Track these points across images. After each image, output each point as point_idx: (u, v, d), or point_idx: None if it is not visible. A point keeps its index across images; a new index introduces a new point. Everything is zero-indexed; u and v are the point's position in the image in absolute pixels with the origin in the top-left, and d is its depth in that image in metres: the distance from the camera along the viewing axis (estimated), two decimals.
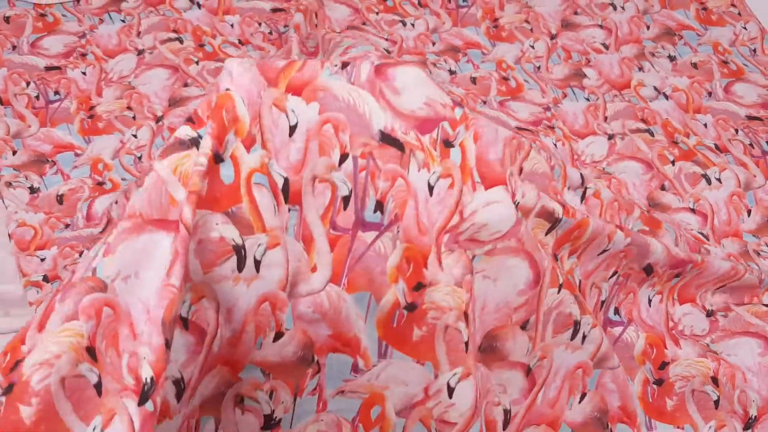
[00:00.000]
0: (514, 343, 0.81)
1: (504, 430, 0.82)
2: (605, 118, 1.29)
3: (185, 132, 0.72)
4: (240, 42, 1.36)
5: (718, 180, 1.19)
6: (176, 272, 0.64)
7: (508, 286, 0.80)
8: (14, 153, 1.13)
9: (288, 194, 0.73)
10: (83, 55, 1.28)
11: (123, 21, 1.35)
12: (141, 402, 0.62)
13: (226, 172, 0.71)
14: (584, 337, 0.85)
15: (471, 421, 0.79)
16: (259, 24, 1.40)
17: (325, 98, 0.75)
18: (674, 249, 0.93)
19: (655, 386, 0.90)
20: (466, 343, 0.78)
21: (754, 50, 1.45)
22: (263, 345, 0.73)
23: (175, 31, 1.34)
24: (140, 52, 1.29)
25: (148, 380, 0.62)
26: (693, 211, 1.15)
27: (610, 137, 1.25)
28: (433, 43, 1.40)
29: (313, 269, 0.75)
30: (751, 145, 1.26)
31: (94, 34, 1.32)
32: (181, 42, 1.33)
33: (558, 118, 1.28)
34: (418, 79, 0.79)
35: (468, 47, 1.40)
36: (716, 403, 0.90)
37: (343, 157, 0.76)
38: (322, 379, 0.77)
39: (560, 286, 0.82)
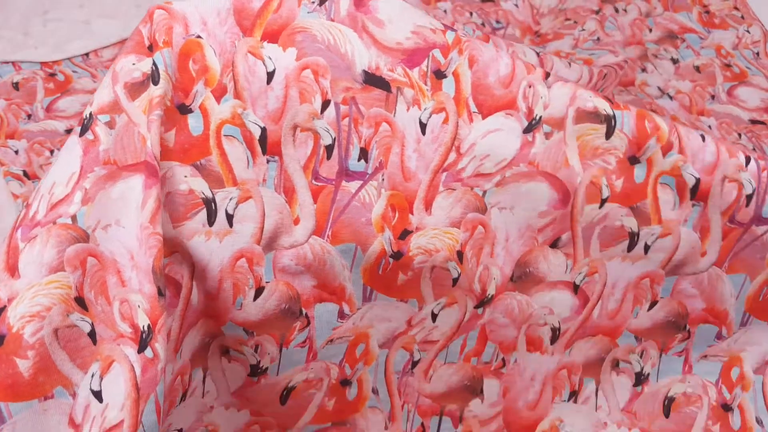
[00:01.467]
0: (547, 264, 0.77)
1: (552, 344, 0.79)
2: None
3: (147, 66, 0.65)
4: None
5: None
6: (159, 219, 0.61)
7: (527, 210, 0.75)
8: None
9: (266, 145, 0.67)
10: None
11: None
12: (140, 349, 0.60)
13: (194, 123, 0.65)
14: (647, 247, 0.77)
15: (453, 337, 0.77)
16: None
17: (304, 41, 0.68)
18: None
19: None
20: (455, 280, 0.75)
21: (757, 53, 1.38)
22: (243, 305, 0.70)
23: None
24: None
25: (146, 328, 0.60)
26: None
27: None
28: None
29: (296, 221, 0.69)
30: (753, 149, 1.19)
31: None
32: None
33: None
34: (404, 5, 0.71)
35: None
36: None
37: (325, 104, 0.69)
38: (312, 332, 0.74)
39: (604, 201, 0.75)
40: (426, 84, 0.71)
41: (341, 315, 0.74)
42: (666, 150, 0.75)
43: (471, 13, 1.34)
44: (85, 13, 1.30)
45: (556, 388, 0.82)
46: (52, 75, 1.20)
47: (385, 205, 0.71)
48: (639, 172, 0.76)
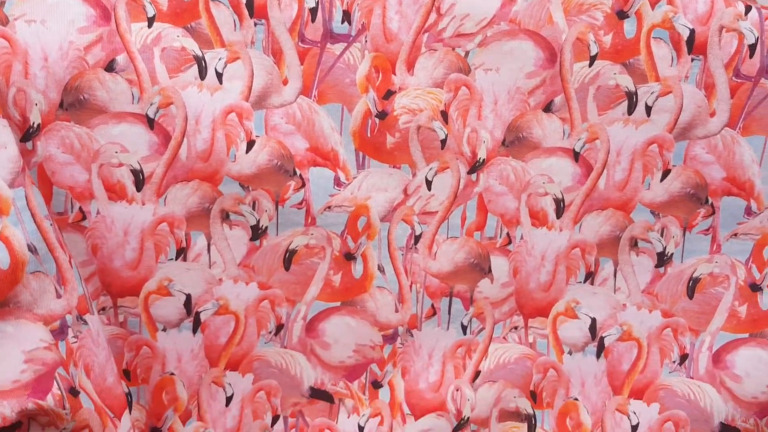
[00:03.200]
0: (542, 129, 0.74)
1: (558, 218, 0.75)
2: None
3: None
4: None
5: None
6: (95, 55, 0.68)
7: (513, 71, 0.73)
8: None
9: (252, 8, 0.72)
10: None
11: None
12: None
13: None
14: (648, 108, 0.73)
15: (451, 207, 0.75)
16: None
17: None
18: None
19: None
20: (443, 141, 0.74)
21: None
22: (237, 157, 0.73)
23: None
24: None
25: (35, 125, 0.69)
26: None
27: None
28: None
29: (285, 82, 0.72)
30: None
31: None
32: None
33: None
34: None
35: None
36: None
37: None
38: (307, 194, 0.75)
39: (593, 57, 0.72)
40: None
41: (337, 182, 0.75)
42: (654, 1, 0.72)
43: None
44: None
45: (570, 268, 0.76)
46: None
47: (369, 66, 0.72)
48: (629, 27, 0.73)
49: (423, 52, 0.73)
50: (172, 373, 0.76)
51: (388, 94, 0.73)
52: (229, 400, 0.77)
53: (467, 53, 0.73)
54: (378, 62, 0.73)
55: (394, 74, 0.73)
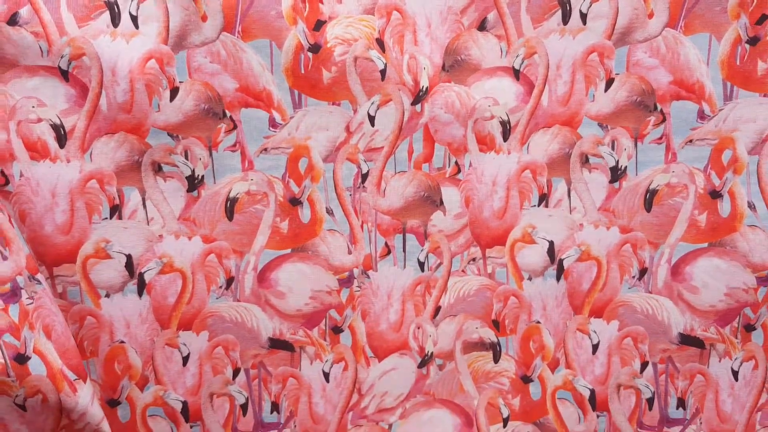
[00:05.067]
0: (479, 48, 0.69)
1: (506, 141, 0.70)
2: None
3: None
4: None
5: None
6: None
7: None
8: None
9: None
10: None
11: None
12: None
13: None
14: (584, 15, 0.68)
15: (396, 141, 0.70)
16: None
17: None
18: None
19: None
20: (383, 72, 0.68)
21: None
22: (161, 107, 0.66)
23: None
24: None
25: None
26: None
27: None
28: None
29: (203, 18, 0.66)
30: None
31: None
32: None
33: None
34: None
35: None
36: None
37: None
38: (240, 136, 0.69)
39: None
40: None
41: (273, 123, 0.69)
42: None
43: None
44: None
45: (522, 192, 0.71)
46: None
47: None
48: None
49: None
50: (122, 341, 0.71)
51: (319, 25, 0.66)
52: (186, 359, 0.72)
53: None
54: None
55: (322, 3, 0.66)
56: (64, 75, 0.63)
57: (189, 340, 0.72)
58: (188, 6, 0.65)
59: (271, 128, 0.69)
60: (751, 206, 0.71)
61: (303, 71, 0.67)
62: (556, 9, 0.67)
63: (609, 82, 0.70)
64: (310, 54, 0.67)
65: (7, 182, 0.65)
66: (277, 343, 0.72)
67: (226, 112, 0.67)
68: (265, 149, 0.69)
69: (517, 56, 0.69)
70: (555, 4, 0.67)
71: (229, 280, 0.71)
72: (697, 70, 0.69)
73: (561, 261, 0.72)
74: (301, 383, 0.73)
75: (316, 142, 0.69)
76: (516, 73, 0.69)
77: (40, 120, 0.64)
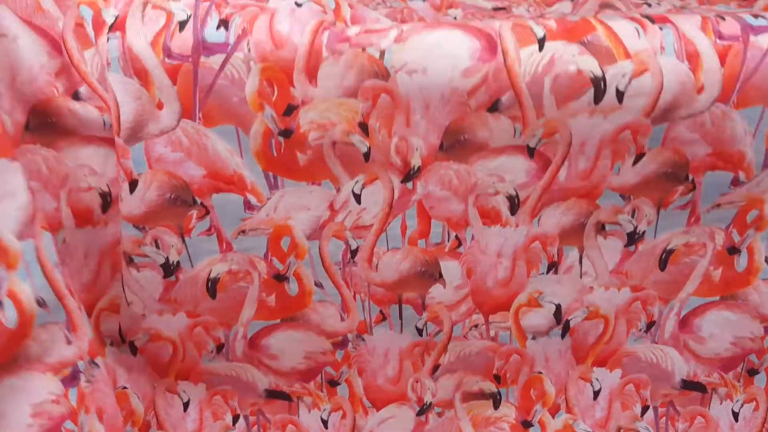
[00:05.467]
0: (488, 130, 0.59)
1: (513, 215, 0.63)
2: None
3: None
4: None
5: None
6: None
7: (445, 69, 0.56)
8: None
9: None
10: None
11: None
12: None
13: None
14: (620, 93, 0.56)
15: (387, 219, 0.62)
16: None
17: None
18: None
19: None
20: (366, 154, 0.59)
21: None
22: (123, 199, 0.59)
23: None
24: None
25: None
26: None
27: None
28: None
29: (159, 106, 0.56)
30: None
31: None
32: None
33: None
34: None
35: None
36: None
37: None
38: (216, 221, 0.62)
39: (541, 40, 0.55)
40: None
41: (248, 206, 0.61)
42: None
43: (480, 19, 1.18)
44: None
45: (530, 261, 0.64)
46: None
47: (259, 80, 0.55)
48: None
49: (325, 57, 0.55)
50: (125, 387, 0.69)
51: (290, 110, 0.56)
52: (186, 405, 0.71)
53: (383, 53, 0.55)
54: (270, 74, 0.55)
55: (292, 86, 0.55)
56: None
57: (188, 389, 0.70)
58: (140, 95, 0.55)
59: (247, 210, 0.61)
60: None
61: (275, 154, 0.58)
62: (588, 88, 0.55)
63: (639, 157, 0.59)
64: (281, 138, 0.57)
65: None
66: (275, 394, 0.71)
67: (196, 198, 0.60)
68: (243, 231, 0.62)
69: (534, 137, 0.58)
70: (586, 82, 0.55)
71: (219, 346, 0.68)
72: (741, 141, 0.58)
73: (567, 321, 0.67)
74: (300, 430, 0.72)
75: (297, 221, 0.62)
76: (530, 151, 0.59)
77: None
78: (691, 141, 0.58)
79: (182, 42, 0.54)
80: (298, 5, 0.56)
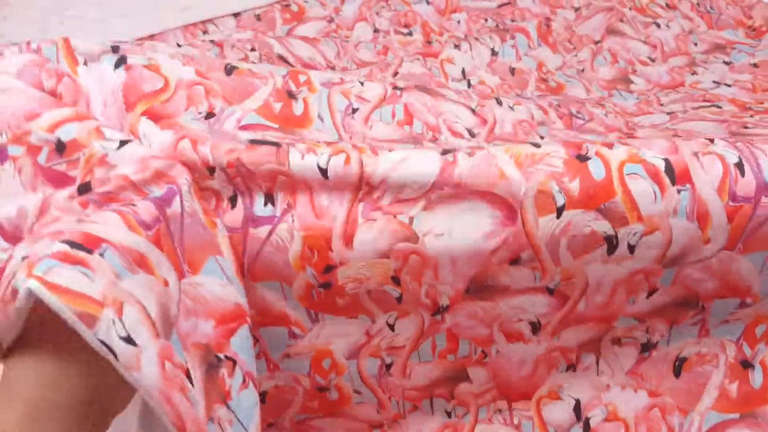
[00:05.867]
0: (510, 278, 0.63)
1: (535, 335, 0.68)
2: None
3: None
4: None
5: None
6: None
7: (468, 232, 0.60)
8: None
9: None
10: None
11: None
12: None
13: None
14: (632, 247, 0.61)
15: (419, 341, 0.68)
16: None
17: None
18: None
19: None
20: (398, 298, 0.64)
21: None
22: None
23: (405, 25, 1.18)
24: None
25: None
26: None
27: None
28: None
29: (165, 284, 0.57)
30: None
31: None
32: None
33: None
34: None
35: None
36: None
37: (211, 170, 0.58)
38: (264, 347, 0.67)
39: (560, 209, 0.59)
40: None
41: (292, 335, 0.66)
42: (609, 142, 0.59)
43: (486, 19, 1.22)
44: (103, 12, 1.16)
45: (550, 364, 0.70)
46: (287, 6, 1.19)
47: (302, 246, 0.59)
48: (595, 168, 0.57)
49: (360, 223, 0.59)
50: None
51: (329, 269, 0.61)
52: None
53: (412, 219, 0.59)
54: (311, 241, 0.59)
55: (330, 250, 0.59)
56: None
57: None
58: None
59: (290, 338, 0.66)
60: None
61: (316, 299, 0.63)
62: (601, 243, 0.59)
63: (652, 292, 0.64)
64: (321, 289, 0.62)
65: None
66: None
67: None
68: (288, 355, 0.67)
69: (552, 281, 0.63)
70: (600, 239, 0.59)
71: None
72: (747, 279, 0.62)
73: (587, 419, 0.73)
74: None
75: (337, 346, 0.67)
76: (550, 291, 0.64)
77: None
78: (701, 279, 0.63)
79: (233, 217, 0.59)
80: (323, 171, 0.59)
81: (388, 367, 0.69)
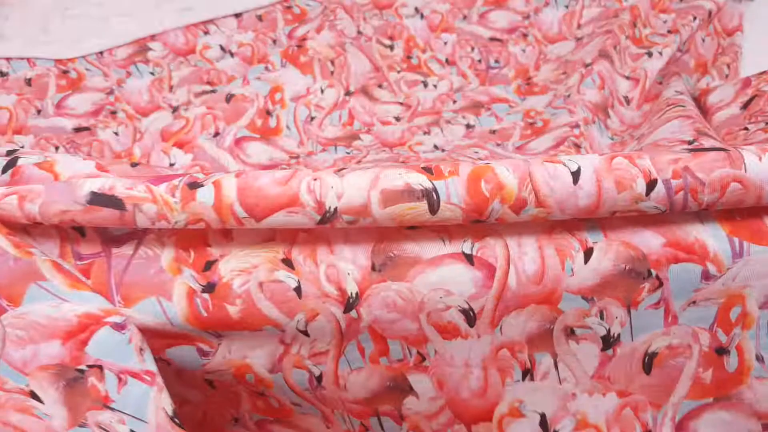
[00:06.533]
0: (416, 244, 0.56)
1: (472, 327, 0.59)
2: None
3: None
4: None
5: None
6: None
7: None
8: None
9: None
10: (113, 113, 1.07)
11: (152, 74, 1.10)
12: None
13: None
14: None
15: (342, 344, 0.60)
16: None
17: None
18: None
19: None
20: (297, 289, 0.57)
21: None
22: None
23: (209, 83, 1.09)
24: (175, 109, 1.06)
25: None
26: None
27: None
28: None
29: None
30: None
31: (122, 89, 1.09)
32: None
33: None
34: None
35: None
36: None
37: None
38: (177, 369, 0.61)
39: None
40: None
41: (202, 353, 0.59)
42: (518, 207, 0.53)
43: (472, 48, 1.18)
44: (104, 11, 1.18)
45: (502, 370, 0.60)
46: (65, 72, 1.10)
47: (175, 249, 0.55)
48: None
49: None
50: None
51: (209, 265, 0.55)
52: None
53: None
54: (184, 242, 0.54)
55: (209, 246, 0.54)
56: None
57: None
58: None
59: (202, 357, 0.60)
60: (759, 358, 0.57)
61: (205, 314, 0.57)
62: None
63: (587, 253, 0.54)
64: (205, 295, 0.56)
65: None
66: None
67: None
68: (208, 372, 0.61)
69: (464, 241, 0.55)
70: None
71: None
72: (695, 228, 0.52)
73: None
74: None
75: (255, 360, 0.60)
76: (469, 258, 0.55)
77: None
78: (635, 230, 0.54)
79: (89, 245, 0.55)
80: None
81: (319, 379, 0.61)
